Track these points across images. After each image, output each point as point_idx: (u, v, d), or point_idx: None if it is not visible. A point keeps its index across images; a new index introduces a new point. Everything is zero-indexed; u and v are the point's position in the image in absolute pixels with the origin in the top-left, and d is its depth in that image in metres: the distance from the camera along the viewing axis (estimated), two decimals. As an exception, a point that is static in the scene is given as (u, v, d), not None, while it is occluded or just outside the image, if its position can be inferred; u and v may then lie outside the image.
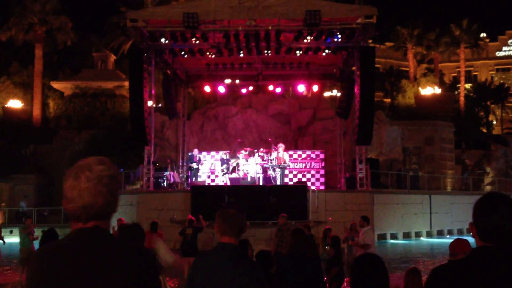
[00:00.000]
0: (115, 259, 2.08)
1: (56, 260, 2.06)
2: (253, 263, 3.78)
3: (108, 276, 2.04)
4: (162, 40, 20.75)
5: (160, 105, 31.19)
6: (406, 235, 26.55)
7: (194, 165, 23.77)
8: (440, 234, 28.54)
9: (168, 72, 25.04)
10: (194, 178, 23.63)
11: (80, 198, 2.11)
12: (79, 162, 2.20)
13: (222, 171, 23.03)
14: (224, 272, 3.47)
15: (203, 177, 25.05)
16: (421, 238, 27.14)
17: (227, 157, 23.22)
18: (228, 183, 21.82)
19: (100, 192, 2.12)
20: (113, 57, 42.76)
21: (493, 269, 2.26)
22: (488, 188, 35.97)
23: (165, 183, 23.21)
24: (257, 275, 3.53)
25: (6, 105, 39.93)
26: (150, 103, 22.16)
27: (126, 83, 34.19)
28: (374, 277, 3.23)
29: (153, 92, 22.47)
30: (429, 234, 27.84)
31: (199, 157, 24.28)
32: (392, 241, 25.22)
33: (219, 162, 23.84)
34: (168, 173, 23.53)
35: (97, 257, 2.06)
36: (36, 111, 39.59)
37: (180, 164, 26.50)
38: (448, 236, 28.61)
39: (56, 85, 40.64)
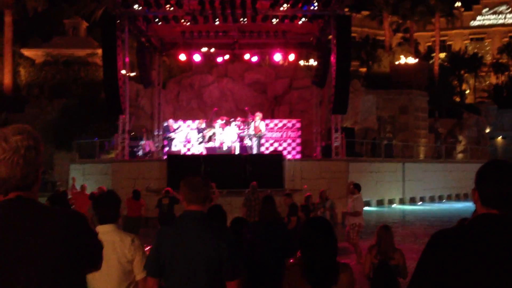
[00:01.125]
0: (42, 226, 2.02)
1: None
2: (222, 228, 3.80)
3: (37, 244, 1.99)
4: (136, 6, 20.33)
5: (134, 73, 30.73)
6: (380, 203, 27.03)
7: (172, 135, 23.66)
8: (413, 201, 29.14)
9: (142, 39, 24.59)
10: (169, 148, 23.54)
11: None
12: None
13: (197, 140, 22.95)
14: (193, 239, 3.47)
15: (179, 146, 24.96)
16: (394, 205, 27.67)
17: (203, 126, 23.12)
18: (204, 152, 21.79)
19: (17, 163, 2.04)
20: (85, 24, 41.72)
21: (497, 236, 2.24)
22: (460, 156, 36.70)
23: (140, 152, 23.08)
24: (228, 239, 3.54)
25: (-25, 73, 38.87)
26: (124, 72, 21.82)
27: (99, 51, 33.49)
28: (323, 239, 3.36)
29: (127, 60, 22.10)
30: (401, 201, 28.40)
31: (174, 127, 24.13)
32: (366, 208, 25.57)
33: (196, 131, 23.74)
34: (143, 142, 23.37)
35: (23, 226, 2.00)
36: (7, 79, 38.61)
37: (156, 133, 26.32)
38: (420, 203, 29.25)
39: (27, 52, 39.63)
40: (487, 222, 2.29)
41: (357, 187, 12.44)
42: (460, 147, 37.53)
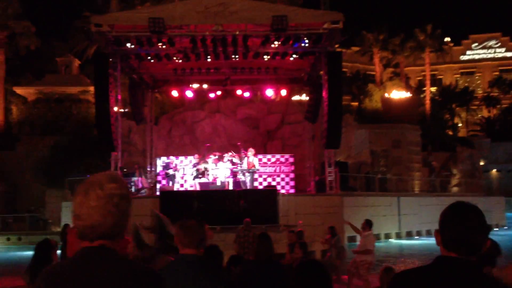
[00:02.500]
0: (119, 279, 2.00)
1: (60, 280, 1.99)
2: (218, 271, 3.69)
3: None
4: (128, 45, 20.43)
5: (126, 110, 30.74)
6: (376, 237, 26.72)
7: (171, 172, 23.53)
8: (409, 235, 28.87)
9: (135, 76, 24.69)
10: (171, 184, 23.40)
11: (88, 217, 2.04)
12: (91, 177, 2.13)
13: (192, 174, 22.80)
14: (189, 283, 3.38)
15: (180, 183, 24.86)
16: (391, 239, 27.40)
17: (196, 161, 23.04)
18: (198, 188, 21.63)
19: (110, 212, 2.06)
20: (77, 62, 41.97)
21: (453, 280, 2.25)
22: (455, 189, 36.65)
23: (132, 189, 22.85)
24: (224, 282, 3.48)
25: (-33, 112, 38.82)
26: (116, 108, 21.80)
27: (91, 88, 33.55)
28: (316, 284, 3.22)
29: (119, 97, 22.12)
30: (398, 236, 28.13)
31: (176, 163, 24.05)
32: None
33: (190, 166, 23.64)
34: (136, 178, 23.19)
35: (101, 277, 1.98)
36: (-1, 117, 38.60)
37: (148, 169, 26.16)
38: (417, 237, 28.97)
39: (19, 90, 39.70)
40: (445, 265, 2.31)
41: (368, 224, 11.99)
42: (454, 181, 37.50)
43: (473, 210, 2.34)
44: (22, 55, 42.53)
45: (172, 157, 24.40)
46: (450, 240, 2.32)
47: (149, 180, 24.94)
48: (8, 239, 28.51)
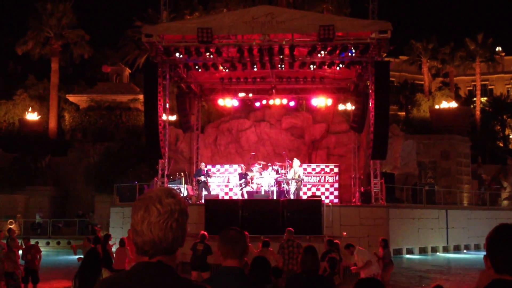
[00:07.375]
0: None
1: None
2: (258, 284, 3.71)
3: None
4: (177, 54, 20.89)
5: (174, 118, 31.33)
6: (422, 250, 26.20)
7: (202, 178, 23.80)
8: (457, 249, 28.13)
9: (182, 85, 25.16)
10: (205, 191, 23.66)
11: (149, 232, 2.05)
12: (148, 192, 2.14)
13: (241, 185, 22.92)
14: None
15: (217, 190, 25.04)
16: (438, 253, 26.76)
17: (244, 171, 23.19)
18: (246, 197, 21.76)
19: (171, 227, 2.06)
20: (128, 71, 43.04)
21: None
22: (505, 203, 35.46)
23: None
24: None
25: (22, 118, 40.38)
26: (164, 117, 22.26)
27: (141, 96, 34.39)
28: None
29: (167, 105, 22.58)
30: (445, 249, 27.44)
31: (206, 170, 24.24)
32: (408, 256, 24.90)
33: (237, 176, 23.77)
34: (181, 185, 23.54)
35: None
36: (52, 124, 39.97)
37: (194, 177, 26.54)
38: (465, 251, 28.20)
39: (71, 98, 41.03)
40: None
41: (347, 247, 12.64)
42: (504, 194, 36.29)
43: None
44: (76, 63, 43.99)
45: (202, 164, 24.57)
46: (502, 263, 2.27)
47: (195, 188, 25.28)
48: (58, 243, 29.39)
